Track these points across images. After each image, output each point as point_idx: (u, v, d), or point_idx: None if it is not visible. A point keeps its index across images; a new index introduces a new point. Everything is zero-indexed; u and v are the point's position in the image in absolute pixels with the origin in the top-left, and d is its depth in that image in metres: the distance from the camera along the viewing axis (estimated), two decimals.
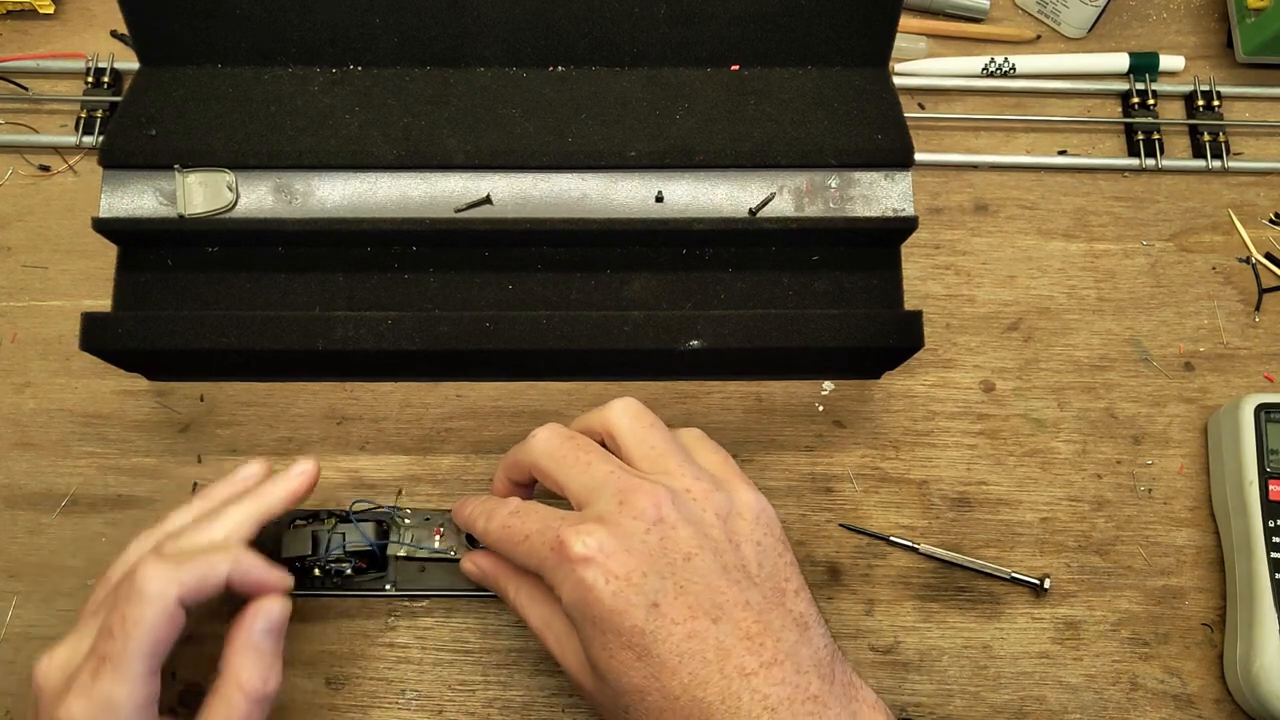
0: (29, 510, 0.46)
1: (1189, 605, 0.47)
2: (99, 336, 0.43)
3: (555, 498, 0.38)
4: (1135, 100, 0.56)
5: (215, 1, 0.45)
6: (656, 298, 0.46)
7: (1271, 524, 0.45)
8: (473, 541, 0.42)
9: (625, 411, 0.38)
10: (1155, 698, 0.46)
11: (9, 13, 0.55)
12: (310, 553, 0.42)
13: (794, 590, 0.35)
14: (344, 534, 0.42)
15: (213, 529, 0.38)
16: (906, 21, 0.57)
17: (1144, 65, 0.57)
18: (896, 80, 0.54)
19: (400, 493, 0.44)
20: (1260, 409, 0.47)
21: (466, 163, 0.46)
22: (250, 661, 0.36)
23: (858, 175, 0.47)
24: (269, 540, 0.43)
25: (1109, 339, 0.51)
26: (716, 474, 0.37)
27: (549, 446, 0.37)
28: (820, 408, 0.50)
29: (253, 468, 0.41)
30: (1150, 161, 0.55)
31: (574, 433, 0.38)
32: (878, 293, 0.46)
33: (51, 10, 0.55)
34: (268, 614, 0.37)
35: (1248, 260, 0.53)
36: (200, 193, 0.45)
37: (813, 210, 0.46)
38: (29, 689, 0.36)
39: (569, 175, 0.46)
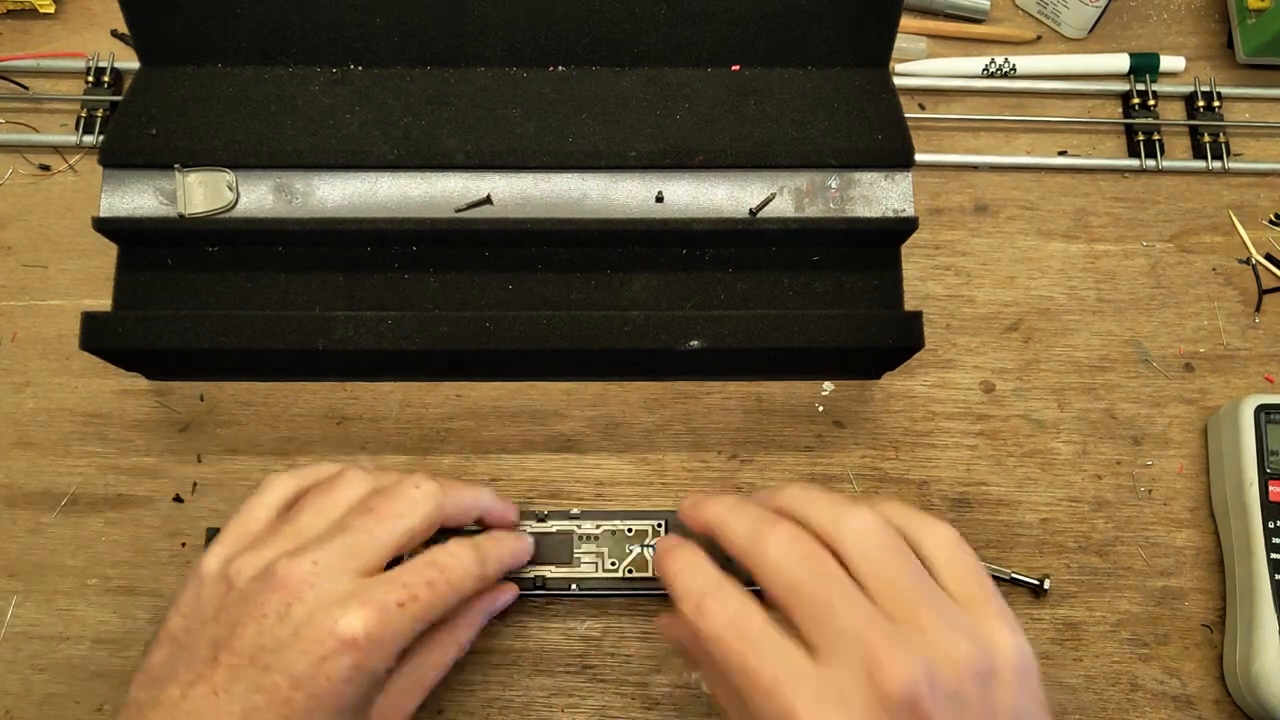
0: (29, 510, 0.46)
1: (1189, 606, 0.47)
2: (99, 336, 0.43)
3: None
4: (1135, 101, 0.56)
5: (215, 1, 0.45)
6: (656, 298, 0.46)
7: (1271, 525, 0.45)
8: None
9: (865, 530, 0.33)
10: (1155, 699, 0.46)
11: (9, 12, 0.55)
12: None
13: None
14: None
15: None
16: (906, 22, 0.57)
17: (1144, 66, 0.57)
18: (897, 80, 0.54)
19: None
20: (1260, 410, 0.47)
21: (466, 163, 0.46)
22: (472, 623, 0.41)
23: (858, 175, 0.47)
24: None
25: (1109, 340, 0.51)
26: (968, 606, 0.33)
27: (785, 563, 0.33)
28: (820, 408, 0.50)
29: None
30: (1150, 162, 0.55)
31: (815, 548, 0.33)
32: (878, 293, 0.46)
33: (52, 9, 0.55)
34: (506, 598, 0.42)
35: (1248, 261, 0.53)
36: (200, 192, 0.45)
37: (813, 210, 0.46)
38: (205, 579, 0.36)
39: (569, 175, 0.46)
